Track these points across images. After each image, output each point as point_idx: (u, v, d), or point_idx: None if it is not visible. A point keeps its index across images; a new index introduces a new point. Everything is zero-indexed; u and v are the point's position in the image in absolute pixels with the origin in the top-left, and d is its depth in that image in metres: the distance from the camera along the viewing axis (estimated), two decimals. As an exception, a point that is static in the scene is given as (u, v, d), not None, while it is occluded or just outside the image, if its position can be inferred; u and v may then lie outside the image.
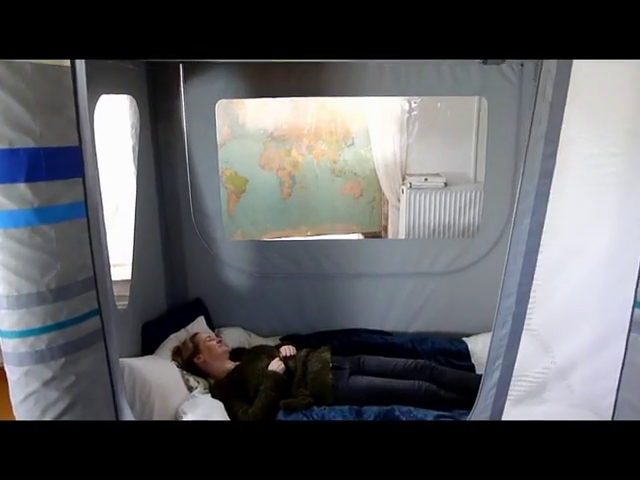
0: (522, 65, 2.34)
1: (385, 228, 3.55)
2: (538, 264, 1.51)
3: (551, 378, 1.63)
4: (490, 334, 2.54)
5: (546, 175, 1.44)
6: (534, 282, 1.52)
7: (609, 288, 1.50)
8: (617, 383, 1.53)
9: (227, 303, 2.64)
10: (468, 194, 3.12)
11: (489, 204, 2.54)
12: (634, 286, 1.42)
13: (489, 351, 1.60)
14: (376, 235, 3.60)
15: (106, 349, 1.53)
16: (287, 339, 2.55)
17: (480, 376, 2.12)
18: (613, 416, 1.55)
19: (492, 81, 2.34)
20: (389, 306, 2.66)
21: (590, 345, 1.57)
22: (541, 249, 1.49)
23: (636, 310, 1.47)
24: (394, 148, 3.09)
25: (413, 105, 3.07)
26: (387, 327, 2.67)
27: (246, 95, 2.54)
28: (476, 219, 3.10)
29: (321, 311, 2.67)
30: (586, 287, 1.54)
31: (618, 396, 1.54)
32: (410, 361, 2.17)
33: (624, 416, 1.54)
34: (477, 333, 2.63)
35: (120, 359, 1.81)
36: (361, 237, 3.63)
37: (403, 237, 3.18)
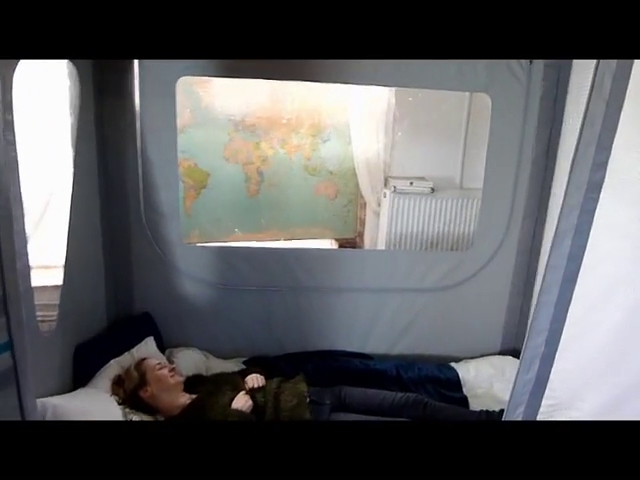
0: (531, 62, 2.12)
1: (360, 234, 3.27)
2: (575, 296, 1.26)
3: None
4: (482, 360, 2.36)
5: (594, 189, 1.20)
6: (568, 318, 1.28)
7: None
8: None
9: (182, 319, 2.28)
10: (455, 202, 2.90)
11: (487, 213, 2.31)
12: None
13: (510, 397, 1.35)
14: (350, 242, 3.32)
15: (19, 394, 1.16)
16: (253, 362, 2.22)
17: (479, 413, 1.89)
18: None
19: (498, 77, 2.11)
20: (371, 325, 2.39)
21: (620, 394, 1.37)
22: (580, 278, 1.25)
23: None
24: (377, 146, 2.82)
25: (409, 99, 2.80)
26: (368, 349, 2.40)
27: (214, 73, 2.18)
28: (465, 229, 2.88)
29: (293, 329, 2.36)
30: (625, 328, 1.33)
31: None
32: (399, 395, 1.89)
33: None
34: (466, 357, 2.41)
35: (41, 400, 1.44)
36: (334, 243, 3.34)
37: (384, 246, 2.91)
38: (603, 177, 1.19)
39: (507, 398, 2.10)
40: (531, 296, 2.37)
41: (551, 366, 1.31)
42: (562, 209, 1.22)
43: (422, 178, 2.93)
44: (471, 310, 2.41)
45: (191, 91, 2.77)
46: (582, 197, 1.20)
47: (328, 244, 3.36)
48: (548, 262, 1.25)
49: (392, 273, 2.34)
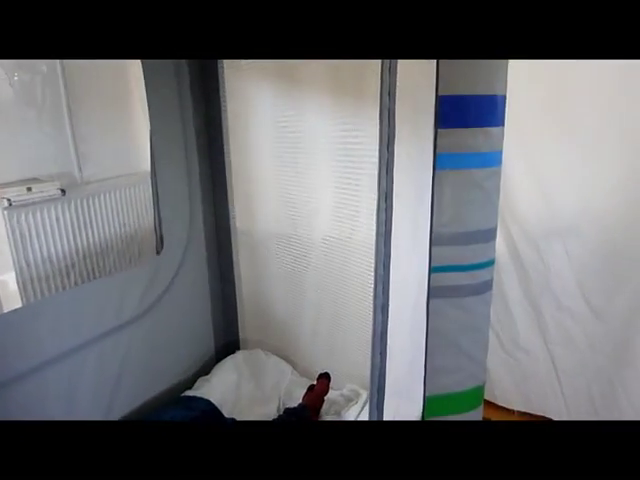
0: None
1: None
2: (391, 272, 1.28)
3: (402, 389, 1.52)
4: (218, 371, 2.17)
5: (391, 143, 1.20)
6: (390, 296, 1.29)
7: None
8: (424, 354, 1.61)
9: None
10: (87, 202, 2.35)
11: (167, 205, 1.98)
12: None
13: (370, 380, 1.28)
14: None
15: None
16: None
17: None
18: (425, 386, 1.63)
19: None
20: (70, 402, 1.70)
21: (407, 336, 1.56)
22: (392, 252, 1.27)
23: (432, 275, 1.54)
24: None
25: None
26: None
27: None
28: (120, 230, 2.41)
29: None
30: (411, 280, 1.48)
31: (427, 366, 1.62)
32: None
33: (435, 383, 1.64)
34: (190, 375, 2.13)
35: None
36: None
37: (15, 287, 2.05)
38: (394, 130, 1.20)
39: (261, 395, 2.03)
40: (232, 282, 2.27)
41: (386, 344, 1.31)
42: (379, 174, 1.17)
43: (36, 179, 2.19)
44: (180, 323, 2.10)
45: None
46: (387, 155, 1.18)
47: None
48: (377, 234, 1.20)
49: (78, 321, 1.70)
